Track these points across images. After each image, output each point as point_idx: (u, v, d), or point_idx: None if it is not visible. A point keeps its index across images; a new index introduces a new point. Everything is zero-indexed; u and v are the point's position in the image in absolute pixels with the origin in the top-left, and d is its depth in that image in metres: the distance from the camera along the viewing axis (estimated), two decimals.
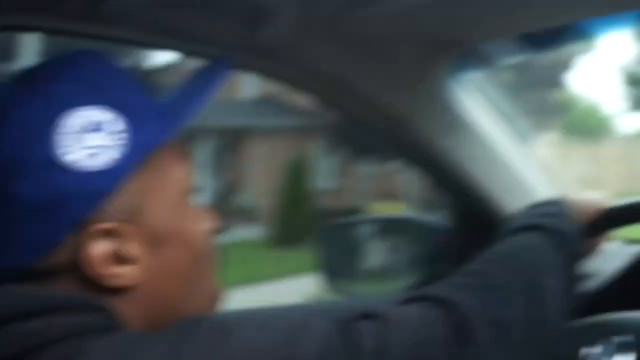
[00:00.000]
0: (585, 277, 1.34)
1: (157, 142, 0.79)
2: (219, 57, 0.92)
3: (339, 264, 1.93)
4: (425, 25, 1.20)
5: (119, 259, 0.76)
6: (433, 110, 1.38)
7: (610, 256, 1.53)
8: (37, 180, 0.72)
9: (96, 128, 0.75)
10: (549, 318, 0.89)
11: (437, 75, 1.34)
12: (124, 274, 0.76)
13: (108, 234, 0.75)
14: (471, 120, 1.43)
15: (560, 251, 0.97)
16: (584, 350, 1.10)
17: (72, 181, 0.72)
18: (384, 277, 1.98)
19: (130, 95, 0.80)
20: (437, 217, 1.78)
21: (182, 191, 0.83)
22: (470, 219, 1.63)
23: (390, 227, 1.99)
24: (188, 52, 1.20)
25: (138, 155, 0.77)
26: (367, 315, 0.78)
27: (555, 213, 1.05)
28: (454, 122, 1.41)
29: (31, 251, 0.73)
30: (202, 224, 0.86)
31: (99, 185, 0.74)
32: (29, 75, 0.79)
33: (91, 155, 0.73)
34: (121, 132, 0.76)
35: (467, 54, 1.33)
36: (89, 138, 0.74)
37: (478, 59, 1.35)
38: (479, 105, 1.45)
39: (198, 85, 0.87)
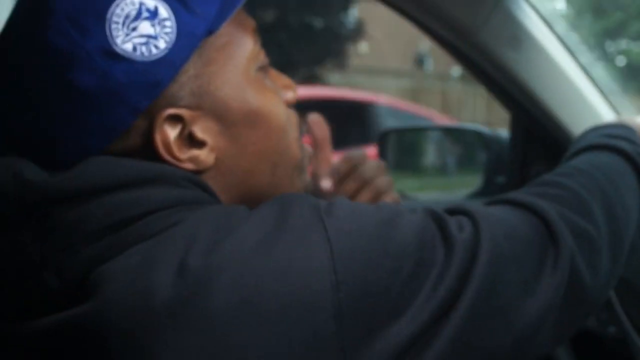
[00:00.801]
0: None
1: (213, 26, 0.76)
2: None
3: (394, 162, 2.03)
4: None
5: (191, 142, 0.76)
6: (497, 22, 1.39)
7: None
8: (94, 72, 0.71)
9: (148, 15, 0.72)
10: (629, 234, 0.92)
11: None
12: (197, 156, 0.76)
13: (177, 118, 0.75)
14: (536, 34, 1.44)
15: (637, 172, 0.99)
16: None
17: (129, 70, 0.71)
18: (438, 175, 2.06)
19: None
20: (498, 131, 1.83)
21: (251, 67, 0.81)
22: (531, 134, 1.67)
23: (453, 135, 2.05)
24: None
25: (194, 41, 0.75)
26: (455, 211, 0.79)
27: (626, 136, 1.05)
28: (519, 35, 1.42)
29: (100, 137, 0.73)
30: (278, 98, 0.84)
31: (156, 75, 0.73)
32: None
33: (145, 43, 0.72)
34: (174, 17, 0.73)
35: None
36: (142, 26, 0.72)
37: None
38: (544, 21, 1.47)
39: None
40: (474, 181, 1.95)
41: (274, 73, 0.86)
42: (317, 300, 0.66)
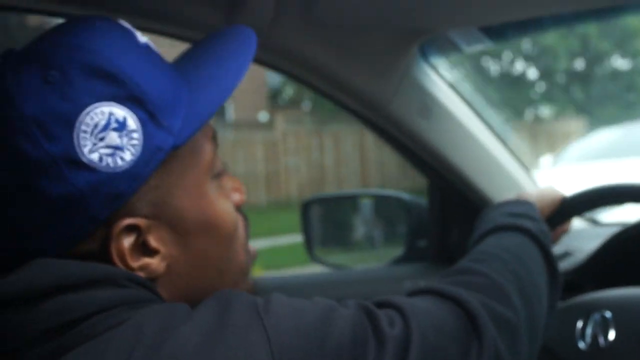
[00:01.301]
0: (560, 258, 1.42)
1: (178, 141, 0.76)
2: (238, 26, 0.87)
3: (320, 235, 2.04)
4: (395, 14, 1.26)
5: (144, 250, 0.76)
6: (407, 92, 1.43)
7: (579, 237, 1.61)
8: (57, 179, 0.70)
9: (117, 126, 0.72)
10: (542, 312, 0.95)
11: (409, 61, 1.40)
12: (149, 265, 0.77)
13: (133, 228, 0.75)
14: (445, 101, 1.49)
15: (542, 251, 1.04)
16: (567, 329, 1.17)
17: (92, 181, 0.71)
18: (365, 249, 2.07)
19: (149, 84, 0.75)
20: (416, 196, 1.86)
21: (207, 176, 0.81)
22: (449, 198, 1.70)
23: (375, 201, 2.07)
24: (171, 35, 1.24)
25: (159, 155, 0.75)
26: (383, 304, 0.80)
27: (528, 213, 1.10)
28: (428, 103, 1.47)
29: (57, 242, 0.73)
30: (229, 204, 0.84)
31: (119, 187, 0.72)
32: (43, 57, 0.73)
33: (111, 154, 0.72)
34: (141, 130, 0.73)
35: (436, 41, 1.40)
36: (109, 137, 0.71)
37: (446, 45, 1.41)
38: (450, 90, 1.52)
39: (221, 63, 0.82)
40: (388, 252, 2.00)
41: (225, 177, 0.86)
42: None
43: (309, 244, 2.03)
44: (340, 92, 1.40)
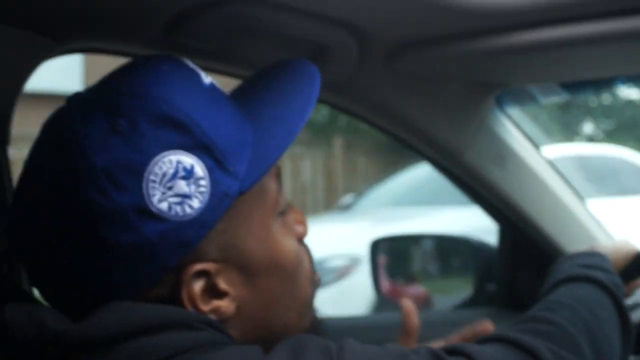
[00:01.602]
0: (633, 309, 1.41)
1: (243, 187, 0.76)
2: (299, 60, 0.86)
3: (391, 269, 2.07)
4: (475, 69, 1.29)
5: (214, 292, 0.77)
6: (482, 141, 1.46)
7: None
8: (127, 228, 0.71)
9: (184, 175, 0.72)
10: None
11: (486, 110, 1.43)
12: (219, 307, 0.77)
13: (203, 273, 0.75)
14: (519, 150, 1.52)
15: (614, 302, 1.03)
16: None
17: (161, 230, 0.71)
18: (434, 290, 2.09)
19: (216, 130, 0.75)
20: (487, 241, 1.87)
21: (272, 214, 0.81)
22: (519, 244, 1.72)
23: (443, 244, 2.10)
24: (239, 77, 1.22)
25: (226, 201, 0.75)
26: (454, 351, 0.80)
27: (600, 265, 1.10)
28: (503, 152, 1.49)
29: (127, 289, 0.73)
30: (293, 240, 0.85)
31: (188, 235, 0.73)
32: (110, 106, 0.73)
33: (180, 203, 0.72)
34: (208, 177, 0.73)
35: (513, 91, 1.43)
36: (178, 185, 0.72)
37: (523, 96, 1.44)
38: (525, 139, 1.54)
39: (286, 96, 0.82)
40: (452, 285, 2.01)
41: (288, 210, 0.86)
42: None
43: (376, 281, 2.06)
44: (417, 140, 1.44)
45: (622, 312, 1.03)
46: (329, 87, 1.31)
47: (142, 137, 0.71)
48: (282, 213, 0.83)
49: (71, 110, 0.75)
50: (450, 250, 2.09)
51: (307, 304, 0.88)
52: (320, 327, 0.91)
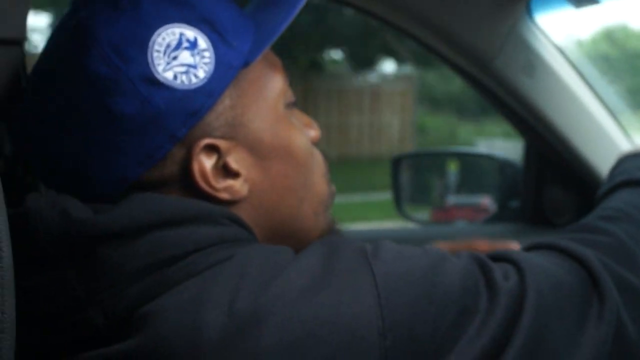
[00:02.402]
0: None
1: (249, 59, 0.78)
2: None
3: (412, 191, 2.05)
4: None
5: (226, 172, 0.77)
6: (512, 49, 1.42)
7: None
8: (135, 97, 0.72)
9: (188, 46, 0.74)
10: None
11: (516, 17, 1.39)
12: (232, 186, 0.77)
13: (213, 148, 0.76)
14: (549, 60, 1.48)
15: None
16: None
17: (169, 98, 0.73)
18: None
19: (217, 9, 0.78)
20: (511, 156, 1.85)
21: (280, 102, 0.82)
22: (545, 159, 1.69)
23: (466, 160, 2.07)
24: None
25: (231, 72, 0.76)
26: (499, 258, 0.78)
27: None
28: (533, 61, 1.45)
29: (137, 164, 0.74)
30: (304, 135, 0.85)
31: (195, 103, 0.74)
32: None
33: (185, 72, 0.73)
34: (212, 49, 0.75)
35: None
36: (182, 55, 0.73)
37: (554, 2, 1.40)
38: (556, 50, 1.50)
39: None
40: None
41: (297, 111, 0.87)
42: (363, 348, 0.66)
43: (398, 199, 2.05)
44: (446, 45, 1.40)
45: None
46: None
47: (144, 11, 0.74)
48: (290, 106, 0.84)
49: (76, 3, 0.77)
50: (475, 166, 2.07)
51: (323, 202, 0.87)
52: (338, 233, 0.90)
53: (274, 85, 0.82)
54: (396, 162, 2.06)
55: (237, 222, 0.76)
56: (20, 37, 0.86)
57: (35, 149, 0.77)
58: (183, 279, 0.69)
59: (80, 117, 0.73)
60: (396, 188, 2.05)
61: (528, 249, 0.84)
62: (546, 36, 1.48)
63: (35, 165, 0.80)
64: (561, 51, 1.51)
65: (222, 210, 0.75)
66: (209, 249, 0.71)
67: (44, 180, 0.80)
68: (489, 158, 1.95)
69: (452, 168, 2.05)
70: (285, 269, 0.70)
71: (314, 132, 0.88)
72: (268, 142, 0.80)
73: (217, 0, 0.79)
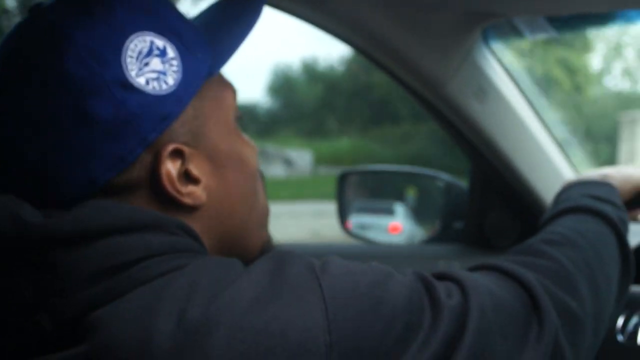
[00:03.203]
0: None
1: (212, 70, 0.81)
2: None
3: (355, 207, 2.06)
4: None
5: (187, 178, 0.79)
6: (466, 74, 1.44)
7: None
8: (110, 100, 0.73)
9: (158, 53, 0.76)
10: (609, 306, 0.91)
11: (471, 43, 1.41)
12: (194, 192, 0.79)
13: (177, 154, 0.77)
14: (500, 86, 1.50)
15: (619, 241, 0.99)
16: (620, 321, 1.16)
17: (142, 102, 0.74)
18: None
19: (180, 22, 0.80)
20: (455, 178, 1.87)
21: (232, 116, 0.85)
22: (490, 182, 1.72)
23: (413, 179, 2.09)
24: None
25: (197, 81, 0.79)
26: (442, 276, 0.79)
27: (609, 198, 1.05)
28: (485, 87, 1.48)
29: (107, 167, 0.74)
30: (251, 147, 0.88)
31: (166, 108, 0.75)
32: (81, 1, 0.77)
33: (156, 78, 0.75)
34: (180, 58, 0.77)
35: (500, 26, 1.40)
36: (153, 62, 0.76)
37: (509, 31, 1.42)
38: (507, 77, 1.53)
39: (237, 15, 0.87)
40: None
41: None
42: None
43: (342, 215, 2.05)
44: (400, 67, 1.42)
45: (626, 253, 0.99)
46: (314, 5, 1.28)
47: (118, 18, 0.76)
48: (238, 120, 0.87)
49: (38, 10, 0.77)
50: (420, 186, 2.08)
51: (265, 214, 0.91)
52: (272, 248, 0.92)
53: (228, 99, 0.85)
54: (342, 178, 2.06)
55: (189, 232, 0.77)
56: None
57: (1, 150, 0.76)
58: (134, 286, 0.69)
59: (54, 118, 0.73)
60: (341, 204, 2.06)
61: (472, 269, 0.86)
62: (499, 62, 1.51)
63: None
64: (513, 78, 1.54)
65: (175, 221, 0.76)
66: (161, 257, 0.72)
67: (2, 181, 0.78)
68: (435, 178, 1.96)
69: (411, 194, 2.06)
70: (236, 281, 0.70)
71: (254, 147, 0.90)
72: (224, 151, 0.83)
73: (180, 16, 0.82)
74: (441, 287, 0.76)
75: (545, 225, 1.01)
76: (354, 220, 2.02)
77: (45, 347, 0.68)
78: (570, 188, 1.11)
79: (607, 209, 1.01)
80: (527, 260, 0.87)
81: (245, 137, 0.89)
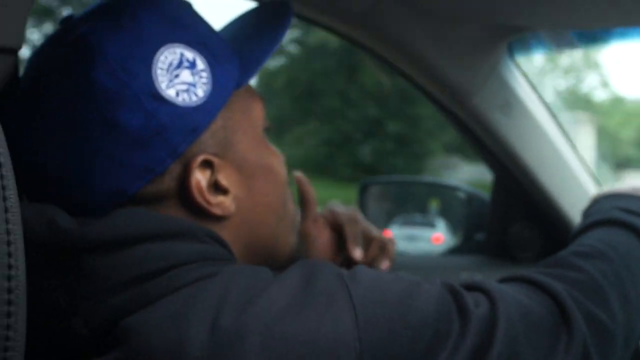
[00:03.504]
0: None
1: (240, 81, 0.82)
2: (277, 1, 0.92)
3: (378, 217, 2.07)
4: (491, 9, 1.27)
5: (216, 189, 0.80)
6: (492, 87, 1.45)
7: None
8: (140, 111, 0.74)
9: (188, 65, 0.77)
10: (639, 321, 0.90)
11: (497, 56, 1.42)
12: (223, 202, 0.80)
13: (207, 165, 0.79)
14: (525, 100, 1.51)
15: None
16: None
17: (172, 114, 0.75)
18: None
19: (208, 34, 0.81)
20: (479, 190, 1.88)
21: (261, 126, 0.87)
22: (513, 195, 1.72)
23: (434, 190, 2.10)
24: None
25: (226, 93, 0.80)
26: (471, 287, 0.79)
27: (639, 211, 1.03)
28: (510, 100, 1.49)
29: (138, 177, 0.75)
30: (279, 157, 0.89)
31: (195, 120, 0.76)
32: (110, 10, 0.78)
33: (186, 90, 0.76)
34: (209, 70, 0.78)
35: (525, 39, 1.42)
36: (183, 74, 0.76)
37: (535, 44, 1.43)
38: (531, 90, 1.54)
39: (265, 26, 0.88)
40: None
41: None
42: None
43: None
44: (428, 81, 1.43)
45: None
46: (344, 18, 1.30)
47: (146, 30, 0.77)
48: (267, 131, 0.89)
49: (69, 22, 0.79)
50: (442, 197, 2.09)
51: (294, 222, 0.92)
52: (302, 255, 0.95)
53: (256, 109, 0.86)
54: (363, 188, 2.07)
55: (219, 241, 0.78)
56: (16, 46, 0.86)
57: (28, 160, 0.77)
58: (164, 294, 0.70)
59: (85, 129, 0.74)
60: (362, 212, 2.07)
61: (501, 280, 0.86)
62: (524, 76, 1.52)
63: (23, 177, 0.78)
64: (535, 89, 1.55)
65: (204, 229, 0.77)
66: (192, 265, 0.73)
67: (29, 191, 0.79)
68: (457, 189, 1.97)
69: (434, 205, 2.08)
70: (267, 289, 0.71)
71: (280, 157, 0.91)
72: (253, 161, 0.84)
73: (208, 27, 0.83)
74: (469, 297, 0.76)
75: (576, 238, 1.01)
76: (398, 232, 2.03)
77: (77, 353, 0.70)
78: (600, 200, 1.11)
79: (638, 222, 1.00)
80: (556, 271, 0.87)
81: (273, 147, 0.89)
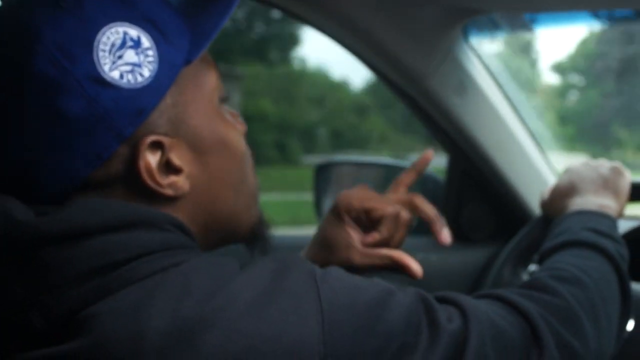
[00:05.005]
0: None
1: (189, 57, 0.79)
2: None
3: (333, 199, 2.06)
4: None
5: (168, 169, 0.77)
6: (447, 69, 1.46)
7: None
8: (82, 97, 0.71)
9: (132, 44, 0.74)
10: (611, 345, 0.91)
11: (453, 38, 1.43)
12: (175, 182, 0.78)
13: (157, 145, 0.76)
14: (480, 81, 1.52)
15: (620, 280, 0.98)
16: None
17: (116, 97, 0.73)
18: None
19: (157, 8, 0.78)
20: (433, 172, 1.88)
21: (215, 98, 0.83)
22: (467, 176, 1.73)
23: (389, 172, 2.10)
24: None
25: (174, 70, 0.77)
26: (445, 300, 0.79)
27: (610, 233, 1.04)
28: (465, 82, 1.50)
29: (85, 163, 0.73)
30: (237, 129, 0.87)
31: (142, 102, 0.74)
32: None
33: (131, 71, 0.74)
34: (155, 47, 0.76)
35: (481, 21, 1.42)
36: (127, 54, 0.74)
37: (490, 27, 1.44)
38: (486, 72, 1.55)
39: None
40: None
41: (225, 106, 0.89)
42: None
43: (318, 207, 2.05)
44: (382, 61, 1.43)
45: (625, 289, 0.99)
46: None
47: (87, 10, 0.74)
48: (223, 102, 0.86)
49: (11, 3, 0.76)
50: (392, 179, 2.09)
51: (254, 195, 0.90)
52: (265, 228, 0.92)
53: (209, 81, 0.83)
54: (320, 169, 2.06)
55: (180, 228, 0.77)
56: None
57: None
58: (126, 284, 0.69)
59: (27, 117, 0.72)
60: (318, 194, 2.06)
61: (477, 296, 0.85)
62: (479, 58, 1.52)
63: None
64: (491, 74, 1.55)
65: (165, 216, 0.76)
66: (154, 255, 0.72)
67: None
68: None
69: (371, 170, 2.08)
70: (232, 281, 0.70)
71: (240, 125, 0.89)
72: (207, 137, 0.81)
73: (156, 0, 0.79)
74: (442, 310, 0.76)
75: (548, 256, 1.02)
76: None
77: (36, 344, 0.68)
78: (567, 218, 1.10)
79: (609, 245, 1.01)
80: (531, 293, 0.87)
81: (230, 118, 0.87)
